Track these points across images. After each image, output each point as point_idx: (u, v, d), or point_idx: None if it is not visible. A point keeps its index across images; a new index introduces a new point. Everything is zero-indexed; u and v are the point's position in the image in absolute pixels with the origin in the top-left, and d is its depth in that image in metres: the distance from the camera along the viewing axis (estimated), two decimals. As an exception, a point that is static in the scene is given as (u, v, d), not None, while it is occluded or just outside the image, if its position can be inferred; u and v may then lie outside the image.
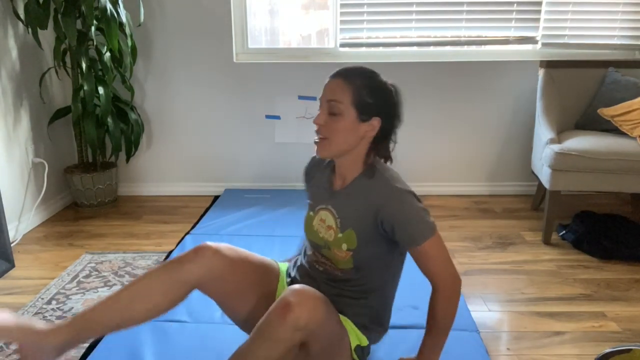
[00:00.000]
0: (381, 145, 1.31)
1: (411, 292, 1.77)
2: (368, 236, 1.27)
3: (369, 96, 1.25)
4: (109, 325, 1.28)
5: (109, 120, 2.79)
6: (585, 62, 2.85)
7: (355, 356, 1.31)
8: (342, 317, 1.31)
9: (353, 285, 1.33)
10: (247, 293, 1.37)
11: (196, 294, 1.82)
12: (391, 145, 1.36)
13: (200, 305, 1.76)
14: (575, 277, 2.14)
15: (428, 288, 1.27)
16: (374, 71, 1.31)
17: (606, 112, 2.61)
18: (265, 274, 1.43)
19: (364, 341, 1.34)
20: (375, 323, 1.37)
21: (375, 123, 1.27)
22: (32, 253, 2.40)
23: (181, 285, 1.30)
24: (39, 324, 1.23)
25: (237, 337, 1.58)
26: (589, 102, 2.76)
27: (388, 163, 1.37)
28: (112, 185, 3.00)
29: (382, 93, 1.28)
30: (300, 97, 3.04)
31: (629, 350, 1.45)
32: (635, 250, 2.30)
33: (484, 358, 1.49)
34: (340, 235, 1.29)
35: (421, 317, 1.65)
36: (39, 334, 1.21)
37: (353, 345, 1.31)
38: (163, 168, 3.22)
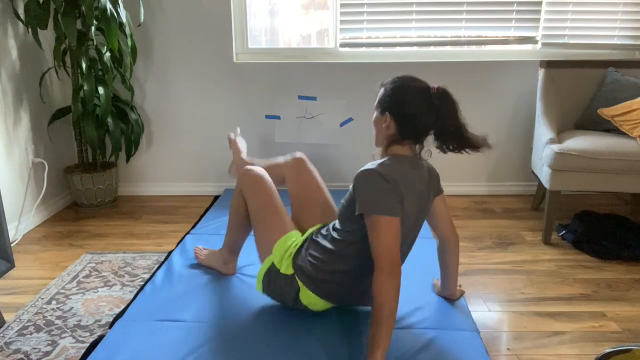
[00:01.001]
0: (406, 140, 1.51)
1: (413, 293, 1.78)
2: (349, 195, 1.50)
3: (387, 96, 1.50)
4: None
5: (109, 120, 2.79)
6: (585, 62, 2.85)
7: (264, 269, 1.65)
8: (282, 242, 1.64)
9: (329, 239, 1.57)
10: (305, 204, 1.81)
11: (196, 295, 1.82)
12: (420, 148, 1.55)
13: (200, 305, 1.76)
14: (575, 277, 2.14)
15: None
16: (409, 77, 1.55)
17: (606, 112, 2.61)
18: (327, 208, 1.81)
19: (287, 270, 1.60)
20: (311, 275, 1.57)
21: (388, 118, 1.49)
22: (32, 253, 2.40)
23: (276, 177, 1.87)
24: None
25: (236, 336, 1.58)
26: (589, 102, 2.76)
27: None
28: (112, 185, 3.00)
29: (399, 93, 1.50)
30: (300, 97, 3.04)
31: (629, 350, 1.46)
32: (635, 250, 2.30)
33: (484, 358, 1.49)
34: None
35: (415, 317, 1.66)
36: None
37: (270, 261, 1.64)
38: (163, 168, 3.22)
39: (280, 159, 1.93)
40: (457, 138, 1.54)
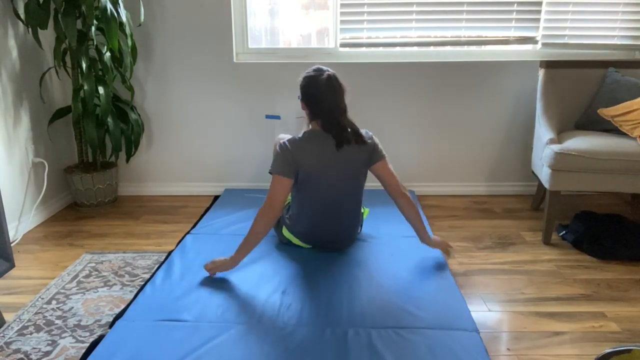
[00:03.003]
0: (316, 118, 2.03)
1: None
2: None
3: (300, 87, 2.03)
4: None
5: (109, 120, 2.79)
6: (585, 62, 2.85)
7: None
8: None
9: None
10: None
11: (196, 295, 1.82)
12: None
13: (200, 305, 1.76)
14: (575, 277, 2.14)
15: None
16: (316, 68, 2.02)
17: (606, 112, 2.61)
18: None
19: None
20: (285, 218, 2.23)
21: (302, 104, 2.05)
22: (32, 253, 2.40)
23: None
24: None
25: (236, 336, 1.58)
26: (589, 102, 2.76)
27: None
28: (112, 185, 3.00)
29: (304, 84, 2.02)
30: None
31: (629, 351, 1.46)
32: (635, 250, 2.30)
33: (484, 358, 1.49)
34: None
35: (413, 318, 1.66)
36: None
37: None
38: (163, 168, 3.22)
39: None
40: (329, 117, 2.00)
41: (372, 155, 2.07)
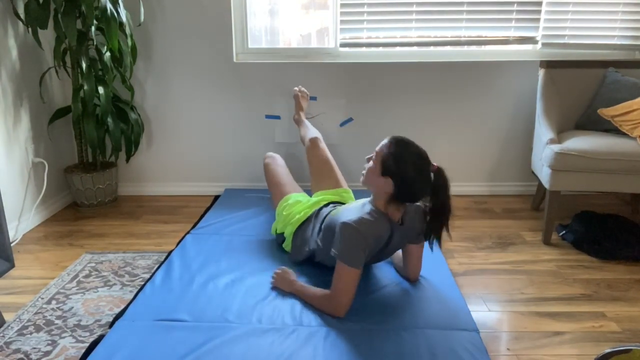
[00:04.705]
0: (397, 201, 1.70)
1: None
2: (332, 230, 1.84)
3: (392, 163, 1.66)
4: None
5: (109, 120, 2.79)
6: (585, 62, 2.85)
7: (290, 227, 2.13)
8: (279, 205, 2.25)
9: (319, 237, 1.96)
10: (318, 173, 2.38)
11: (196, 295, 1.82)
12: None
13: (200, 305, 1.76)
14: (575, 277, 2.14)
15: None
16: (416, 151, 1.67)
17: (606, 112, 2.61)
18: (334, 177, 2.34)
19: (284, 229, 2.17)
20: (295, 245, 2.12)
21: (389, 181, 1.66)
22: (32, 253, 2.40)
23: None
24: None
25: (236, 336, 1.58)
26: (589, 102, 2.76)
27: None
28: (112, 185, 3.00)
29: (404, 166, 1.65)
30: (300, 97, 3.03)
31: (629, 351, 1.46)
32: (635, 250, 2.30)
33: (484, 358, 1.49)
34: None
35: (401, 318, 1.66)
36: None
37: (274, 228, 2.27)
38: (163, 168, 3.22)
39: (306, 134, 2.58)
40: (444, 213, 1.68)
41: (415, 237, 1.83)
